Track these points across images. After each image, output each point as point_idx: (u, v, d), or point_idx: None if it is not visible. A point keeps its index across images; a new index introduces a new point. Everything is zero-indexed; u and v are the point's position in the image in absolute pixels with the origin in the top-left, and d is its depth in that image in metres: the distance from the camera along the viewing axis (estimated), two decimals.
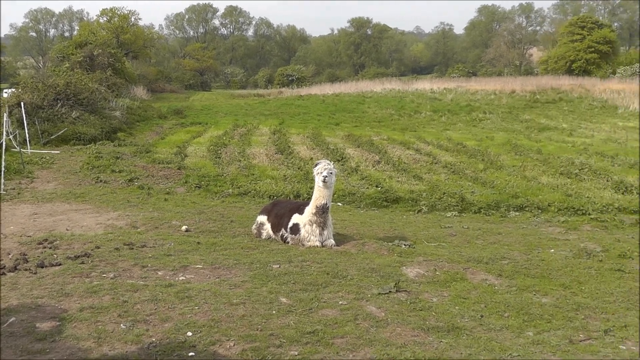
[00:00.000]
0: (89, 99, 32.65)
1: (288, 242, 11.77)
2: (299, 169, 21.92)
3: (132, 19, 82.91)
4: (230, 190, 18.04)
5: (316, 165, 11.70)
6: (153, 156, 23.96)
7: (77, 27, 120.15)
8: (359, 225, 14.21)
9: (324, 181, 11.31)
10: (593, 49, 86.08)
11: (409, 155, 26.26)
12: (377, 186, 19.12)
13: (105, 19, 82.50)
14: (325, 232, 11.57)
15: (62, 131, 27.81)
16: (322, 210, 11.44)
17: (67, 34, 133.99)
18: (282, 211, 12.16)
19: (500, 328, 7.41)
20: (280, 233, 11.95)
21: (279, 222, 12.05)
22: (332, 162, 11.91)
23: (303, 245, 11.51)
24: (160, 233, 12.16)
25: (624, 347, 7.05)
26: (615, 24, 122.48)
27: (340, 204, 17.17)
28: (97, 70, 48.75)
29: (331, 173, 11.44)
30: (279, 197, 17.03)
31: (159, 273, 9.01)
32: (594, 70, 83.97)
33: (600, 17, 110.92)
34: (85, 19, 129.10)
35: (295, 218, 11.79)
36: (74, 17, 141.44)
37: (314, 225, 11.49)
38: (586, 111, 47.09)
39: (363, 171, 21.85)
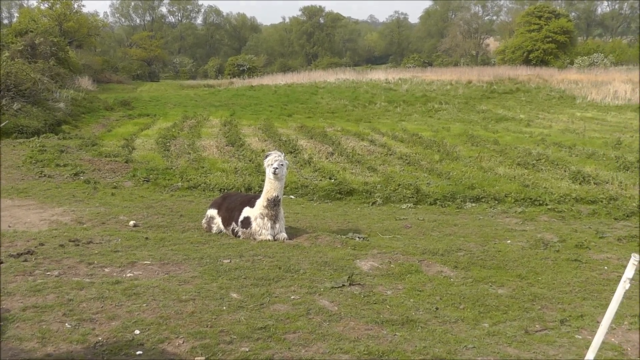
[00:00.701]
0: (31, 90, 31.92)
1: (239, 236, 11.80)
2: (250, 161, 21.87)
3: (75, 6, 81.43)
4: (180, 183, 17.95)
5: (267, 156, 11.73)
6: (99, 149, 23.67)
7: (16, 14, 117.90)
8: (311, 218, 14.26)
9: (274, 173, 11.35)
10: (550, 39, 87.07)
11: (363, 146, 26.35)
12: (330, 178, 19.17)
13: (46, 5, 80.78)
14: (277, 226, 11.63)
15: (3, 124, 27.26)
16: (273, 203, 11.49)
17: (5, 21, 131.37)
18: (232, 204, 12.20)
19: (456, 320, 7.51)
20: (231, 227, 11.98)
21: (229, 216, 12.08)
22: (284, 154, 11.94)
23: (254, 239, 11.55)
24: (107, 229, 12.06)
25: (580, 337, 7.21)
26: (573, 14, 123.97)
27: (292, 197, 17.21)
28: (40, 59, 47.64)
29: (282, 165, 11.49)
30: (229, 190, 17.00)
31: (106, 270, 8.95)
32: (551, 60, 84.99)
33: (558, 7, 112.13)
34: (25, 5, 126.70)
35: (246, 211, 11.83)
36: (12, 3, 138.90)
37: (266, 218, 11.54)
38: (544, 101, 47.69)
39: (316, 163, 21.87)
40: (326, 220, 13.99)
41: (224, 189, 17.20)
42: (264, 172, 12.13)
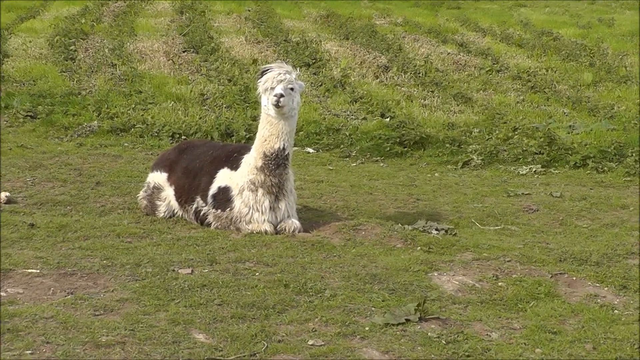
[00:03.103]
0: None
1: (209, 224, 11.86)
2: (230, 81, 21.80)
3: None
4: (96, 122, 17.95)
5: (263, 73, 11.66)
6: None
7: None
8: (347, 191, 14.27)
9: (277, 105, 11.24)
10: None
11: (447, 55, 26.23)
12: (383, 115, 19.10)
13: None
14: (282, 205, 11.65)
15: None
16: (275, 162, 11.45)
17: None
18: (197, 164, 12.28)
19: None
20: (194, 206, 12.00)
21: (190, 185, 12.12)
22: (296, 70, 11.86)
23: (238, 229, 11.60)
24: None
25: None
26: None
27: (311, 151, 17.27)
28: None
29: (292, 89, 11.43)
30: (190, 136, 17.11)
31: None
32: None
33: None
34: None
35: (224, 176, 11.87)
36: None
37: (260, 191, 11.52)
38: None
39: (357, 86, 21.80)
40: (375, 197, 13.99)
41: (181, 135, 17.26)
42: (257, 103, 12.10)
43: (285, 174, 11.61)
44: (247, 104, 19.01)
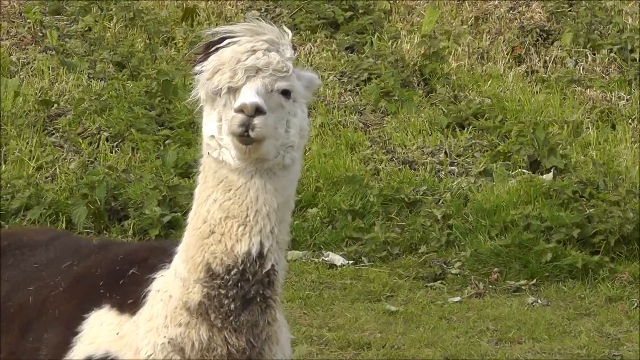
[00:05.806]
0: None
1: None
2: (121, 67, 19.51)
3: None
4: None
5: (209, 50, 9.28)
6: None
7: None
8: None
9: (244, 135, 8.88)
10: None
11: None
12: (536, 164, 16.44)
13: None
14: None
15: None
16: (237, 293, 9.23)
17: None
18: (28, 295, 11.01)
19: None
20: None
21: (13, 355, 10.85)
22: (291, 42, 9.43)
23: None
24: None
25: None
26: None
27: (340, 262, 14.39)
28: None
29: (285, 94, 9.51)
30: (14, 219, 16.14)
31: None
32: None
33: None
34: None
35: (101, 330, 10.17)
36: None
37: None
38: None
39: (464, 83, 19.90)
40: None
41: None
42: (195, 127, 9.19)
43: (264, 326, 9.44)
44: (165, 130, 16.22)
